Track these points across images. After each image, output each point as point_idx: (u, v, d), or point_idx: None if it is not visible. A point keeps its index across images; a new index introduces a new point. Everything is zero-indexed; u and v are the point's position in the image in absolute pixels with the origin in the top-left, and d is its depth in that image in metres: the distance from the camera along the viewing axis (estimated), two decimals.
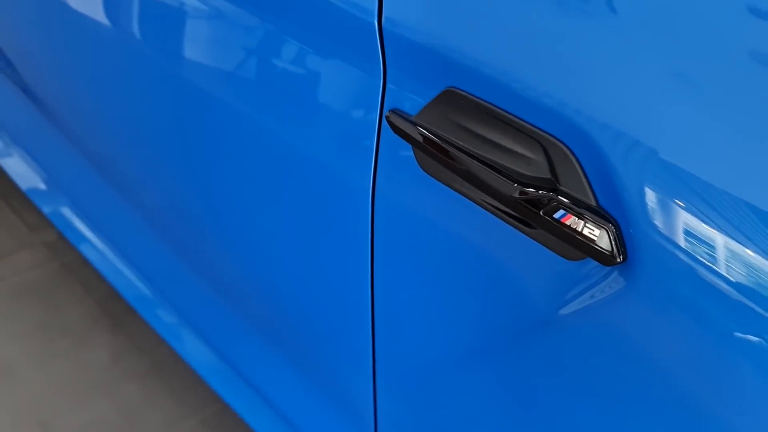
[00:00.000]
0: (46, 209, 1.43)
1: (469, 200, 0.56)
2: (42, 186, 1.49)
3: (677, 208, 0.46)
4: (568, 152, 0.50)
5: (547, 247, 0.52)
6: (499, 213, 0.55)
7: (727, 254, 0.44)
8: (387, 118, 0.60)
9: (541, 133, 0.52)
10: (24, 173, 1.49)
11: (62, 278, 1.57)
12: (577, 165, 0.50)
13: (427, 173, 0.59)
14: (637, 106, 0.47)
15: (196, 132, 0.88)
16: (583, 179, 0.50)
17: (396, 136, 0.59)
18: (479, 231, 0.59)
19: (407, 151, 0.60)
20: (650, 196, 0.47)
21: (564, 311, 0.54)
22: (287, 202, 0.79)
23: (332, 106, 0.69)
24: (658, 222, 0.46)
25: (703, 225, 0.44)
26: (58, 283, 1.56)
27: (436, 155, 0.57)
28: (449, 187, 0.57)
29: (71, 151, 1.28)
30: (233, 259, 0.97)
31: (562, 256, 0.52)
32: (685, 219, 0.45)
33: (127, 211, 1.20)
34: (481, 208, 0.56)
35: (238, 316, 1.03)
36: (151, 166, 1.05)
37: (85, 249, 1.34)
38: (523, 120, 0.53)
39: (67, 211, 1.41)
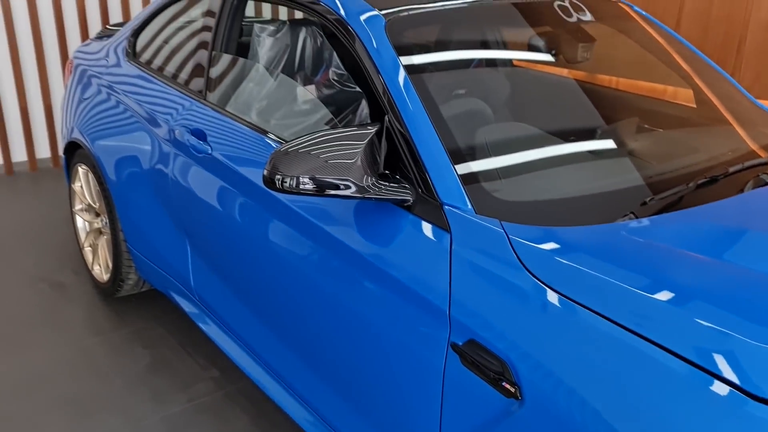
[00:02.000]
0: (226, 349, 2.12)
1: None
2: (215, 331, 2.20)
3: None
4: None
5: None
6: None
7: None
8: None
9: None
10: (210, 329, 2.21)
11: (227, 402, 2.24)
12: None
13: None
14: None
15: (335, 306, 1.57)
16: None
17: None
18: None
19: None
20: None
21: None
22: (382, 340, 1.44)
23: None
24: None
25: None
26: (225, 405, 2.22)
27: None
28: None
29: (235, 300, 1.99)
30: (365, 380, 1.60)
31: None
32: None
33: (277, 344, 1.87)
34: None
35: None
36: (311, 320, 1.73)
37: (252, 375, 2.01)
38: None
39: (235, 349, 2.10)
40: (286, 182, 1.39)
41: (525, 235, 1.27)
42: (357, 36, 1.65)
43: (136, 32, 2.66)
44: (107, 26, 3.16)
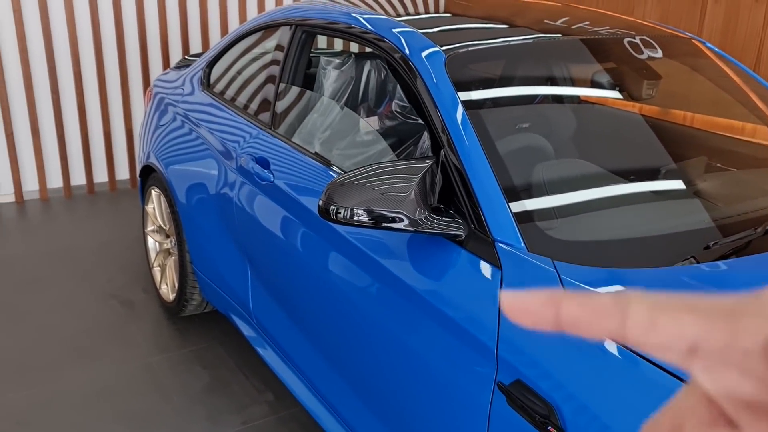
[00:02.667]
0: (280, 374, 2.16)
1: None
2: (271, 356, 2.24)
3: None
4: None
5: None
6: None
7: None
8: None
9: None
10: (266, 353, 2.25)
11: (280, 427, 2.26)
12: None
13: None
14: None
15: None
16: None
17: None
18: None
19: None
20: None
21: None
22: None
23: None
24: None
25: None
26: (278, 430, 2.25)
27: None
28: None
29: (291, 326, 2.02)
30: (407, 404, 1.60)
31: None
32: None
33: (329, 372, 1.88)
34: None
35: None
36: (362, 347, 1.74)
37: (304, 401, 2.03)
38: None
39: (289, 375, 2.13)
40: (340, 213, 1.41)
41: (577, 276, 1.24)
42: (418, 72, 1.68)
43: (211, 63, 2.79)
44: (185, 57, 3.32)
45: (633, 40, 1.88)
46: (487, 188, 1.43)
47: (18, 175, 4.18)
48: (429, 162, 1.47)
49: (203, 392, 2.42)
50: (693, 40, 2.08)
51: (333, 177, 1.87)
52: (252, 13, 4.65)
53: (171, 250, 2.91)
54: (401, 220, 1.40)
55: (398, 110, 2.18)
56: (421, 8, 2.36)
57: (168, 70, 3.22)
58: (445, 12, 2.29)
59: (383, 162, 1.47)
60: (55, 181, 4.33)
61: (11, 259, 3.41)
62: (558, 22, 2.01)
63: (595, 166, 1.66)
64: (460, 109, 1.56)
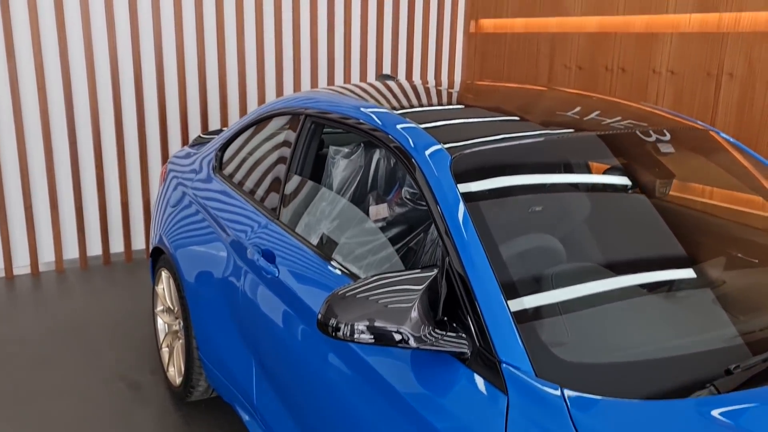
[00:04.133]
0: None
1: None
2: None
3: None
4: None
5: None
6: None
7: None
8: None
9: None
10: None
11: None
12: None
13: None
14: None
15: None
16: None
17: None
18: None
19: None
20: None
21: None
22: None
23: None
24: None
25: None
26: None
27: None
28: None
29: (294, 428, 1.93)
30: None
31: None
32: None
33: None
34: None
35: None
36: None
37: None
38: None
39: None
40: (339, 329, 1.36)
41: (588, 410, 1.16)
42: (423, 174, 1.64)
43: (224, 146, 2.79)
44: (201, 135, 3.34)
45: (647, 135, 1.82)
46: (493, 304, 1.36)
47: (35, 247, 4.21)
48: (433, 272, 1.42)
49: None
50: (710, 132, 2.03)
51: (337, 274, 1.82)
52: (270, 91, 4.71)
53: (179, 333, 2.86)
54: (405, 338, 1.33)
55: (408, 197, 2.14)
56: (433, 97, 2.35)
57: (184, 148, 3.24)
58: (454, 102, 2.27)
59: (386, 273, 1.42)
60: (71, 251, 4.35)
61: (22, 337, 3.38)
62: (569, 113, 1.97)
63: (608, 273, 1.59)
64: (465, 216, 1.51)
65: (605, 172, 1.77)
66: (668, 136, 1.86)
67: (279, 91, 4.73)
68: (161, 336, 3.03)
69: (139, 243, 4.56)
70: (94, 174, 4.30)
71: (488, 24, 5.19)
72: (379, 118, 1.94)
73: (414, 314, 1.35)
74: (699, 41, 3.70)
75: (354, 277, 1.77)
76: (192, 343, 2.62)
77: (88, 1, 4.05)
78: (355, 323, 1.34)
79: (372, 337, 1.33)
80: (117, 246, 4.50)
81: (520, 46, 4.91)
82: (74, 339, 3.35)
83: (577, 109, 2.03)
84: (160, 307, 3.04)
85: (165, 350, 3.00)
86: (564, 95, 2.23)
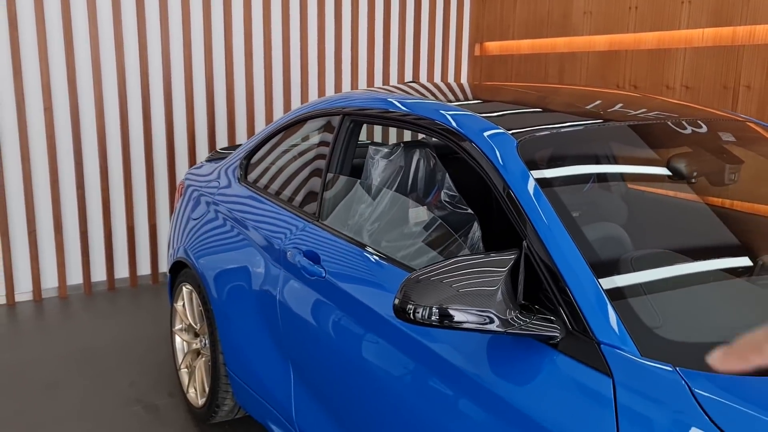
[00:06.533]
0: None
1: None
2: None
3: None
4: None
5: None
6: None
7: None
8: None
9: None
10: None
11: None
12: None
13: None
14: None
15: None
16: None
17: None
18: None
19: None
20: None
21: None
22: None
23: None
24: None
25: None
26: None
27: None
28: None
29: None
30: None
31: None
32: None
33: None
34: None
35: None
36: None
37: None
38: None
39: None
40: (418, 313, 1.26)
41: (708, 386, 1.07)
42: (491, 162, 1.56)
43: (249, 155, 2.71)
44: (217, 150, 3.26)
45: (699, 126, 1.78)
46: (585, 285, 1.28)
47: (38, 272, 4.06)
48: (515, 254, 1.34)
49: None
50: (747, 122, 1.98)
51: (390, 271, 1.73)
52: (278, 111, 4.67)
53: (201, 351, 2.73)
54: (490, 321, 1.24)
55: (447, 200, 2.07)
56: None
57: (200, 163, 3.16)
58: (505, 96, 2.22)
59: (463, 256, 1.33)
60: (75, 277, 4.20)
61: (28, 362, 3.22)
62: (624, 108, 1.92)
63: (686, 258, 1.51)
64: (541, 197, 1.44)
65: (670, 160, 1.71)
66: (723, 126, 1.82)
67: (287, 107, 4.68)
68: (180, 356, 2.89)
69: (144, 268, 4.42)
70: (100, 197, 4.18)
71: (493, 46, 5.21)
72: (425, 108, 1.88)
73: (499, 297, 1.26)
74: (713, 55, 3.72)
75: (410, 269, 1.68)
76: (218, 358, 2.49)
77: (97, 21, 4.00)
78: (435, 306, 1.25)
79: (454, 319, 1.24)
80: (122, 271, 4.35)
81: (526, 67, 4.93)
82: (84, 364, 3.20)
83: (632, 105, 1.99)
84: (179, 326, 2.91)
85: (184, 371, 2.85)
86: (617, 95, 2.19)
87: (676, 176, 1.74)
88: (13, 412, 2.77)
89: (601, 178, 1.79)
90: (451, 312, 1.25)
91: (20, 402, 2.83)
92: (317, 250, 2.00)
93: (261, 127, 4.63)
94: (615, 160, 1.85)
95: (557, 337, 1.27)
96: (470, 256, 1.33)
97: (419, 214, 2.10)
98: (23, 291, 4.07)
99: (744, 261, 1.61)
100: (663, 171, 1.76)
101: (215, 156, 3.14)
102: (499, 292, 1.27)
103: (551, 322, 1.28)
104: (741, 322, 1.32)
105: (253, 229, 2.35)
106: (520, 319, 1.26)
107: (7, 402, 2.83)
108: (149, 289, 4.30)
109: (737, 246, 1.67)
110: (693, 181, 1.76)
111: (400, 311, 1.28)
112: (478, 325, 1.24)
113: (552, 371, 1.26)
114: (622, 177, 1.88)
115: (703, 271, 1.49)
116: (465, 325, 1.25)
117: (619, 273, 1.39)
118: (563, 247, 1.33)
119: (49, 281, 4.13)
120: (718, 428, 1.01)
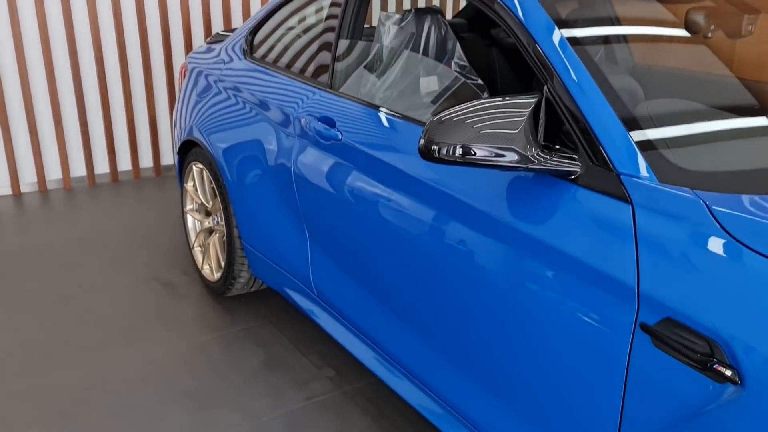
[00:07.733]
0: (347, 346, 2.04)
1: None
2: (336, 328, 2.12)
3: None
4: None
5: None
6: None
7: None
8: None
9: None
10: (329, 325, 2.14)
11: (346, 401, 2.15)
12: None
13: None
14: None
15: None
16: None
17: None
18: None
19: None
20: None
21: None
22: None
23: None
24: None
25: None
26: (344, 405, 2.13)
27: None
28: None
29: (364, 294, 1.90)
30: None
31: None
32: None
33: (414, 340, 1.77)
34: None
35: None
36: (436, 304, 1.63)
37: (377, 371, 1.91)
38: None
39: (357, 346, 2.02)
40: (443, 151, 1.30)
41: (724, 204, 1.13)
42: (508, 9, 1.56)
43: (254, 31, 2.67)
44: (219, 32, 3.20)
45: None
46: (605, 120, 1.32)
47: (41, 164, 4.07)
48: (536, 96, 1.36)
49: (260, 369, 2.31)
50: None
51: (407, 128, 1.76)
52: None
53: (214, 228, 2.79)
54: (513, 156, 1.29)
55: (457, 69, 2.07)
56: None
57: (201, 46, 3.11)
58: None
59: (485, 98, 1.36)
60: (78, 170, 4.22)
61: (42, 245, 3.29)
62: None
63: (704, 104, 1.55)
64: (563, 40, 1.45)
65: (688, 13, 1.71)
66: None
67: None
68: (192, 236, 2.96)
69: (146, 161, 4.43)
70: (98, 92, 4.13)
71: None
72: None
73: (520, 135, 1.30)
74: None
75: None
76: (233, 233, 2.56)
77: None
78: (459, 145, 1.29)
79: (477, 156, 1.28)
80: (124, 164, 4.37)
81: None
82: (96, 247, 3.27)
83: None
84: (189, 206, 2.96)
85: (198, 249, 2.93)
86: None
87: (694, 30, 1.74)
88: (38, 286, 2.86)
89: (623, 26, 1.79)
90: (474, 149, 1.29)
91: (42, 279, 2.92)
92: (332, 115, 2.01)
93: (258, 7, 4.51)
94: (642, 10, 1.83)
95: (577, 171, 1.32)
96: (491, 99, 1.36)
97: (430, 82, 2.10)
98: (28, 182, 4.09)
99: (762, 121, 1.64)
100: (681, 31, 1.76)
101: (216, 38, 3.08)
102: (522, 131, 1.30)
103: (572, 158, 1.32)
104: (760, 156, 1.37)
105: (263, 102, 2.36)
106: (542, 156, 1.31)
107: (30, 279, 2.92)
108: (152, 181, 4.33)
109: (754, 106, 1.69)
110: (709, 35, 1.76)
111: (425, 151, 1.32)
112: (501, 161, 1.28)
113: (573, 204, 1.31)
114: (644, 27, 1.87)
115: (720, 112, 1.53)
116: (487, 161, 1.29)
117: (637, 111, 1.42)
118: (585, 86, 1.36)
119: (53, 173, 4.15)
120: (736, 240, 1.07)
